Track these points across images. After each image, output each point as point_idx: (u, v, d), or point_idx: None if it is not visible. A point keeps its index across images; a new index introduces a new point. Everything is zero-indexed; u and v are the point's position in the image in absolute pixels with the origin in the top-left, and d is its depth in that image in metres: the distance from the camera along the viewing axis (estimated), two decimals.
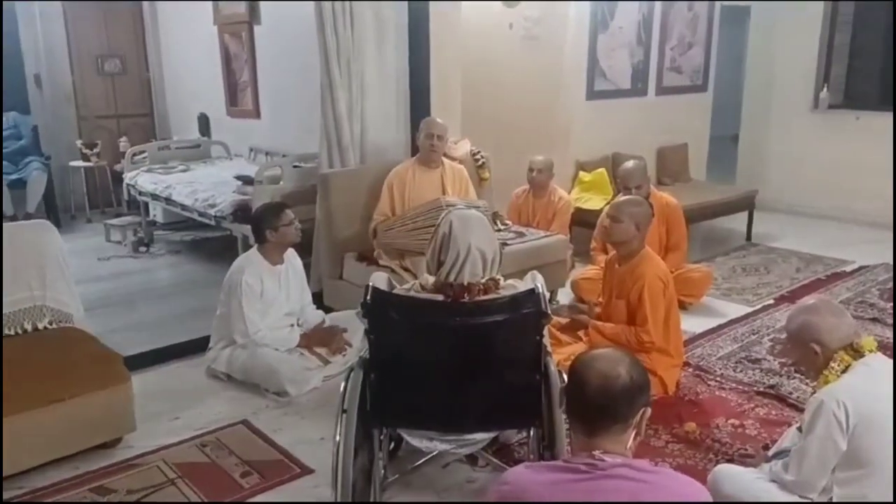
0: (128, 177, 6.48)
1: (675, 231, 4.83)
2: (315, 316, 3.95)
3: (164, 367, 3.89)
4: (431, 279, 2.24)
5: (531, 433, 2.42)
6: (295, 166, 5.11)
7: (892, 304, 4.76)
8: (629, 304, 3.53)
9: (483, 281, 2.23)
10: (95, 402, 2.97)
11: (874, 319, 4.51)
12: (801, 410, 2.92)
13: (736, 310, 4.73)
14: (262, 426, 3.28)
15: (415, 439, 2.38)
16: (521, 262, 3.99)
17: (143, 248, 6.29)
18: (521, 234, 4.73)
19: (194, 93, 7.59)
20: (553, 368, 2.29)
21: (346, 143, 4.59)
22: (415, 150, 4.92)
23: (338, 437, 2.20)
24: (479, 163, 5.05)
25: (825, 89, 7.25)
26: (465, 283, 2.20)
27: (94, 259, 5.95)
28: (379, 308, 2.20)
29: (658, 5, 6.20)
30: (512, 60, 5.85)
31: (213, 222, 5.39)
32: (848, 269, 5.55)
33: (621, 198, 3.68)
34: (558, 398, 2.22)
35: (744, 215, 6.40)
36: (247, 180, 5.33)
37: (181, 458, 3.02)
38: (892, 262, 5.62)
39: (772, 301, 4.88)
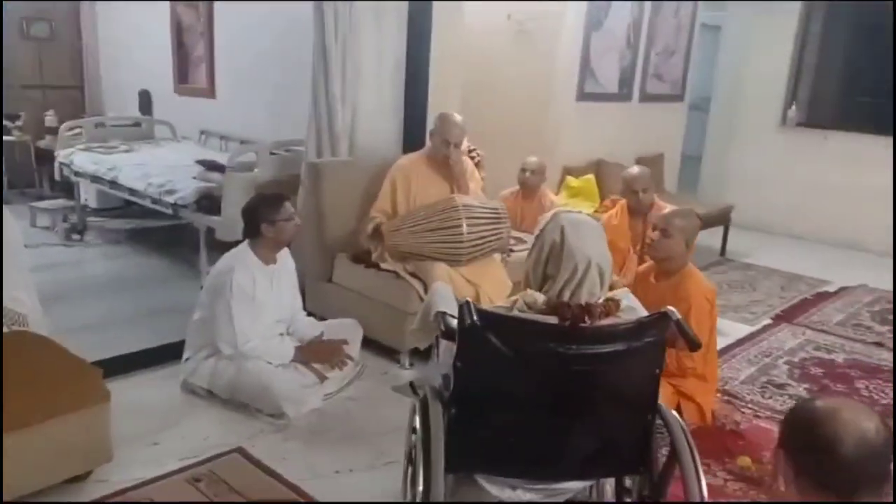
0: (61, 154, 5.72)
1: None
2: (309, 326, 3.46)
3: (127, 378, 3.30)
4: (541, 296, 1.85)
5: (631, 482, 2.06)
6: (272, 153, 4.58)
7: (887, 327, 4.69)
8: None
9: (602, 301, 1.85)
10: (68, 427, 2.41)
11: (878, 343, 4.41)
12: None
13: (737, 329, 4.53)
14: (262, 455, 2.79)
15: (495, 487, 1.98)
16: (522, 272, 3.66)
17: (76, 237, 5.58)
18: (520, 241, 4.38)
19: (135, 66, 6.86)
20: (667, 407, 1.95)
21: (339, 132, 4.12)
22: (407, 144, 4.52)
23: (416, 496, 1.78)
24: (475, 161, 4.66)
25: (793, 107, 7.26)
26: (584, 304, 1.82)
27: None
28: (480, 332, 1.78)
29: (647, 7, 5.99)
30: (505, 55, 5.51)
31: (169, 210, 4.77)
32: (830, 289, 5.49)
33: (667, 209, 3.37)
34: (684, 442, 1.88)
35: (709, 231, 6.27)
36: (211, 166, 4.75)
37: (172, 496, 2.50)
38: (869, 284, 5.62)
39: (770, 321, 4.72)
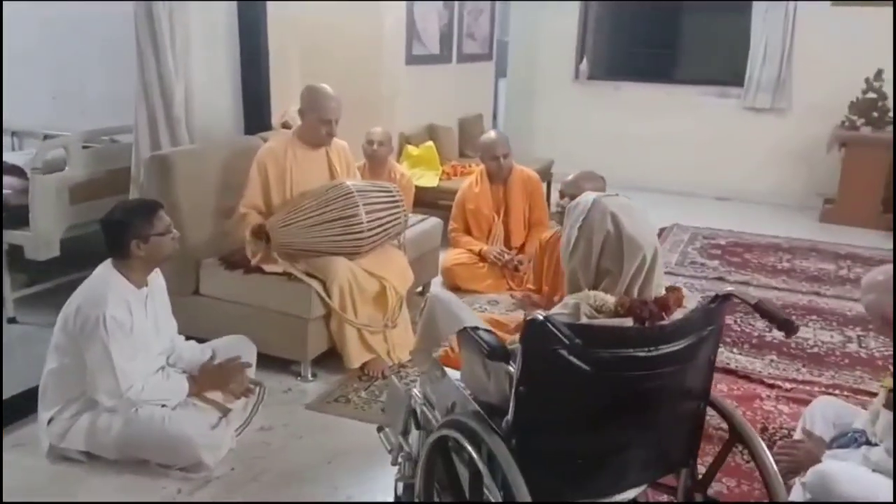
0: None
1: (539, 206, 4.59)
2: (192, 350, 2.87)
3: None
4: (610, 297, 1.61)
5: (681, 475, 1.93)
6: (84, 146, 3.76)
7: (716, 261, 5.09)
8: None
9: (670, 293, 1.66)
10: None
11: (720, 279, 4.77)
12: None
13: None
14: None
15: None
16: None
17: None
18: None
19: None
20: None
21: (177, 114, 3.47)
22: (249, 123, 3.98)
23: None
24: None
25: (584, 61, 7.60)
26: (660, 299, 1.61)
27: None
28: (551, 349, 1.51)
29: None
30: (329, 17, 5.02)
31: None
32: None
33: (573, 175, 3.25)
34: (750, 430, 1.78)
35: None
36: None
37: None
38: (680, 223, 6.07)
39: None
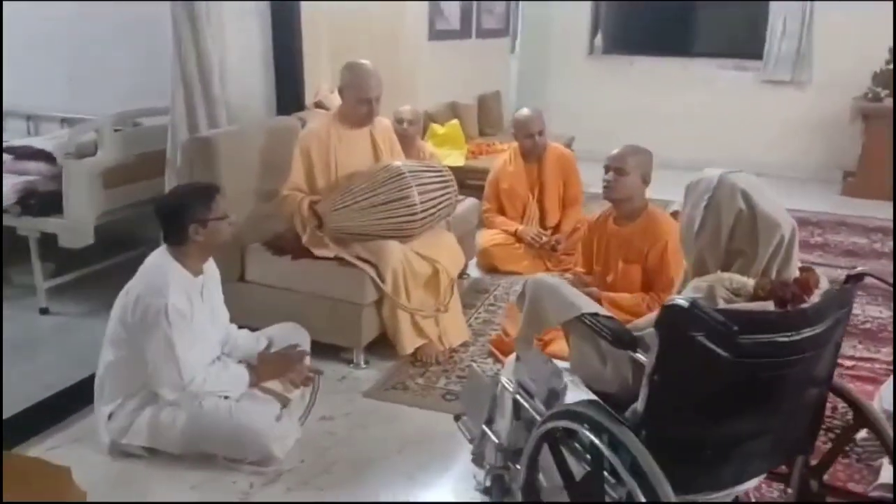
0: None
1: (574, 184, 4.49)
2: (247, 339, 2.77)
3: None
4: (749, 280, 1.53)
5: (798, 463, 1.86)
6: (115, 130, 3.62)
7: None
8: (646, 269, 3.10)
9: (808, 273, 1.58)
10: None
11: None
12: None
13: None
14: None
15: None
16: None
17: None
18: None
19: None
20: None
21: (216, 95, 3.35)
22: (282, 103, 3.86)
23: None
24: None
25: (598, 35, 7.47)
26: (800, 280, 1.54)
27: None
28: (689, 336, 1.43)
29: None
30: None
31: None
32: (669, 209, 5.77)
33: (619, 149, 3.14)
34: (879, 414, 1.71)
35: None
36: (24, 153, 3.64)
37: None
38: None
39: None
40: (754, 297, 1.52)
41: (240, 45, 3.60)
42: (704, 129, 7.03)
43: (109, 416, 2.48)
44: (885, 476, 2.32)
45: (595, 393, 1.73)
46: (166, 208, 2.48)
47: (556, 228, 4.40)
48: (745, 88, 6.99)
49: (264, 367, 2.65)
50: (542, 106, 7.39)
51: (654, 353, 1.48)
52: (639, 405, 1.54)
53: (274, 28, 3.73)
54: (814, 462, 1.88)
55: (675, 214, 3.28)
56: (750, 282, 1.53)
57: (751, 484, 1.78)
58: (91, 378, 2.59)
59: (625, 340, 1.57)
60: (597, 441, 1.57)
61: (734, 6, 7.32)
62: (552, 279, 1.89)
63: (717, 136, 7.02)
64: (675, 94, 7.10)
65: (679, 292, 1.69)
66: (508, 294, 3.93)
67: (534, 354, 1.91)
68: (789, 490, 1.87)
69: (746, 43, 7.06)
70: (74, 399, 2.74)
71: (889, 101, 6.09)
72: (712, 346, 1.46)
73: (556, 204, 4.45)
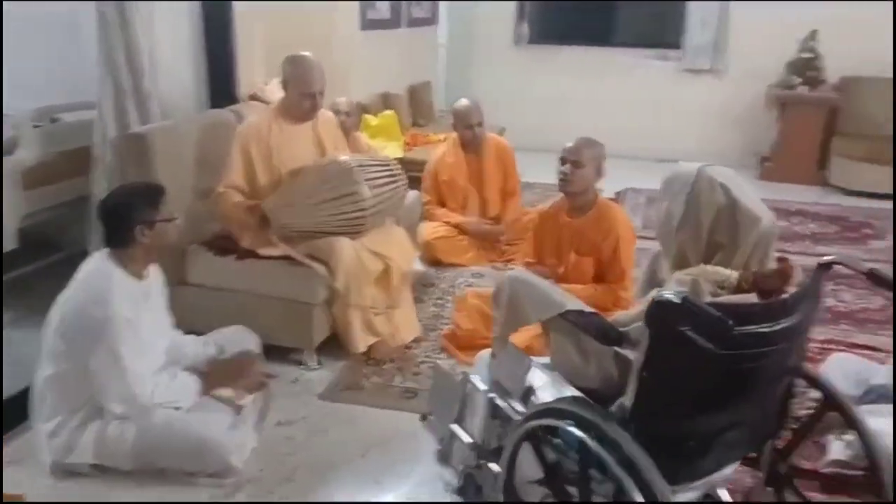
0: None
1: (512, 175, 4.50)
2: (195, 345, 2.65)
3: None
4: (733, 273, 1.54)
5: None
6: (35, 126, 3.39)
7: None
8: (599, 261, 3.13)
9: (785, 265, 1.61)
10: None
11: None
12: None
13: None
14: None
15: None
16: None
17: None
18: None
19: None
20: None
21: (148, 89, 3.17)
22: (215, 97, 3.70)
23: None
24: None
25: (524, 24, 7.51)
26: (780, 270, 1.56)
27: None
28: (677, 331, 1.43)
29: None
30: None
31: None
32: (608, 195, 5.87)
33: (572, 142, 3.14)
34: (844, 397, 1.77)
35: None
36: None
37: None
38: (634, 186, 6.13)
39: None
40: (738, 290, 1.54)
41: (169, 35, 3.43)
42: (629, 118, 7.16)
43: (51, 434, 2.33)
44: (835, 452, 2.42)
45: (577, 389, 1.72)
46: (110, 209, 2.33)
47: (497, 219, 4.40)
48: (667, 77, 7.17)
49: (215, 375, 2.55)
50: (468, 96, 7.45)
51: (644, 349, 1.48)
52: (627, 400, 1.54)
53: (205, 18, 3.56)
54: (780, 445, 1.93)
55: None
56: (733, 274, 1.56)
57: (727, 471, 1.81)
58: (23, 394, 2.43)
59: (612, 337, 1.57)
60: (585, 437, 1.56)
61: None
62: (529, 276, 1.87)
63: (641, 124, 7.17)
64: (599, 83, 7.21)
65: (657, 285, 1.71)
66: (454, 287, 3.91)
67: (511, 352, 1.88)
68: (759, 474, 1.91)
69: (667, 33, 7.23)
70: (6, 417, 2.55)
71: (802, 89, 6.37)
72: (700, 340, 1.47)
73: (497, 194, 4.44)
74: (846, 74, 6.41)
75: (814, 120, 6.32)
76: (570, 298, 1.73)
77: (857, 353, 3.12)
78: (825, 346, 3.28)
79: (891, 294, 1.74)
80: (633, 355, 1.53)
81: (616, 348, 1.59)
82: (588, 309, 1.65)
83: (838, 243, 4.88)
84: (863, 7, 6.13)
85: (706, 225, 1.60)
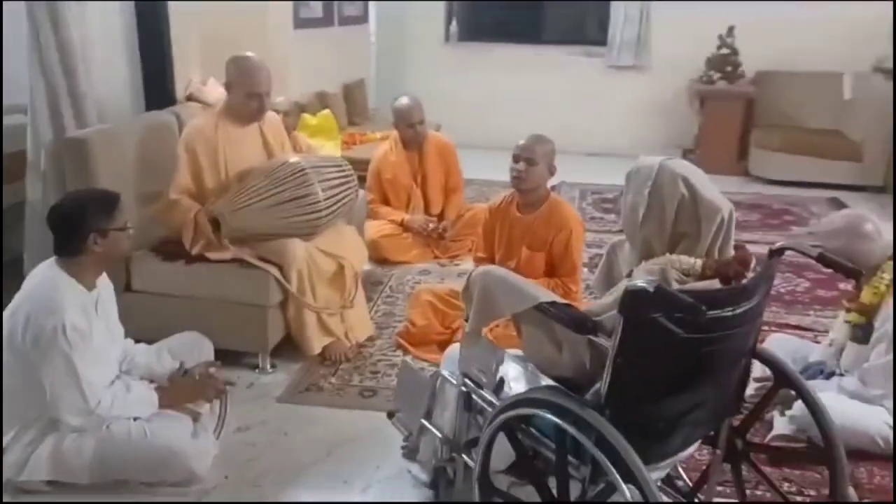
0: None
1: (454, 172, 4.54)
2: (147, 354, 2.56)
3: None
4: (697, 261, 1.62)
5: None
6: None
7: (611, 215, 5.33)
8: (551, 256, 3.21)
9: (744, 252, 1.70)
10: None
11: (620, 231, 4.99)
12: None
13: None
14: None
15: None
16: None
17: None
18: None
19: None
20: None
21: (83, 91, 3.07)
22: (150, 97, 3.61)
23: None
24: None
25: (454, 23, 7.56)
26: (740, 257, 1.65)
27: None
28: (650, 318, 1.50)
29: None
30: None
31: None
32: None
33: (527, 139, 3.21)
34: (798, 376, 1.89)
35: None
36: None
37: None
38: (566, 180, 6.26)
39: None
40: (702, 277, 1.63)
41: (101, 34, 3.31)
42: (558, 114, 7.28)
43: (1, 452, 2.24)
44: (779, 427, 2.56)
45: (551, 378, 1.78)
46: (62, 217, 2.25)
47: (440, 216, 4.44)
48: (594, 74, 7.36)
49: (176, 391, 2.48)
50: (400, 94, 7.46)
51: (618, 336, 1.54)
52: (602, 387, 1.60)
53: (139, 16, 3.47)
54: (736, 423, 2.04)
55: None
56: (698, 262, 1.64)
57: (691, 450, 1.90)
58: None
59: (587, 326, 1.63)
60: (564, 424, 1.61)
61: None
62: (499, 270, 1.91)
63: (570, 119, 7.30)
64: (529, 80, 7.33)
65: (614, 276, 1.78)
66: (403, 284, 3.93)
67: (482, 345, 1.92)
68: (717, 451, 2.01)
69: (593, 31, 7.43)
70: None
71: (721, 84, 6.65)
72: (669, 325, 1.54)
73: (440, 192, 4.48)
74: (761, 69, 6.73)
75: (733, 113, 6.61)
76: (543, 291, 1.78)
77: (788, 333, 3.31)
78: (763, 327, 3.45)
79: (836, 275, 1.86)
80: (607, 343, 1.59)
81: (590, 337, 1.65)
82: (560, 300, 1.71)
83: (761, 230, 5.12)
84: (776, 6, 6.45)
85: (670, 216, 1.68)
